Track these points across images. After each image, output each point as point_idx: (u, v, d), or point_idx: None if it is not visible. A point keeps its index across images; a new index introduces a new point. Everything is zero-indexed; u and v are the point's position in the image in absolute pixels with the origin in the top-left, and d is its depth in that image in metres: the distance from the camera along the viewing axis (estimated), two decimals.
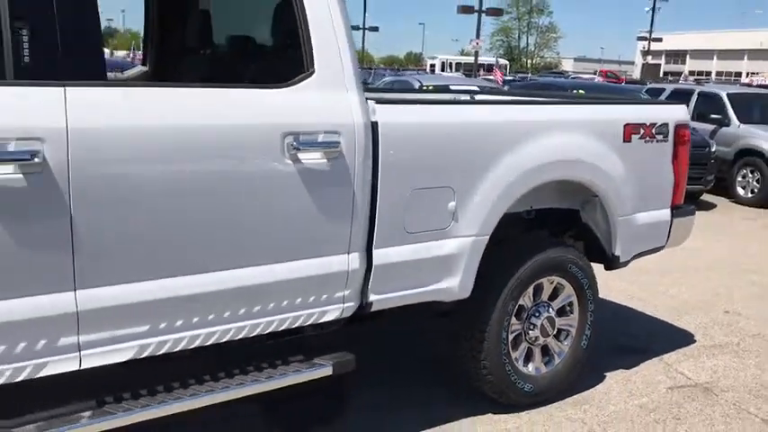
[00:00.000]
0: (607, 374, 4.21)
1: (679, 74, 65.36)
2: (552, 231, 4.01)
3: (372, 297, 3.01)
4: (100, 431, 2.38)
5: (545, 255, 3.63)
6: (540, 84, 16.83)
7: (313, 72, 2.76)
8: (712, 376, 4.32)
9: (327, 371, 2.93)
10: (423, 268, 3.14)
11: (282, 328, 2.82)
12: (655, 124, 3.98)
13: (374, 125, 2.86)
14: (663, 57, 74.57)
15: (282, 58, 2.86)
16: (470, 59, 45.21)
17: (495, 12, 44.34)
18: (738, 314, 5.54)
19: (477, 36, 33.94)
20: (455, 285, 3.24)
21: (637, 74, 63.34)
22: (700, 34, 75.21)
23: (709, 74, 68.60)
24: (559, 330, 3.81)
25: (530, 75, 49.59)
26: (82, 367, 2.38)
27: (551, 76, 43.58)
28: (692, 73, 68.20)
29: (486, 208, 3.25)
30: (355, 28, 48.85)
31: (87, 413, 2.44)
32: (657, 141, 4.01)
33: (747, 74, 64.07)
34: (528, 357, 3.73)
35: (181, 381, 2.69)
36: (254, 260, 2.66)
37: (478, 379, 3.57)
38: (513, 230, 3.64)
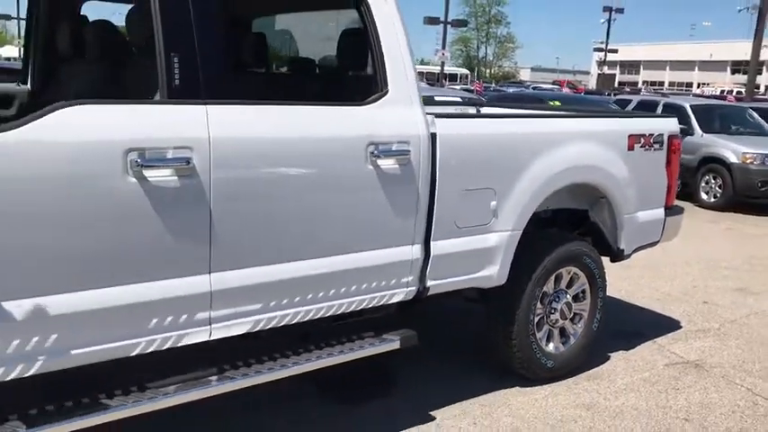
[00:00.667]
0: (610, 355, 4.78)
1: (634, 84, 67.26)
2: (562, 229, 4.56)
3: (429, 282, 3.53)
4: (221, 392, 2.86)
5: (565, 248, 4.19)
6: (518, 95, 17.53)
7: (387, 91, 3.28)
8: (700, 355, 4.92)
9: (396, 344, 3.44)
10: (469, 258, 3.67)
11: (360, 307, 3.32)
12: (652, 135, 4.58)
13: (433, 136, 3.39)
14: (618, 67, 76.58)
15: (362, 80, 3.36)
16: (432, 68, 45.91)
17: (460, 23, 45.26)
18: (716, 304, 6.19)
19: (444, 46, 34.73)
20: (495, 273, 3.78)
21: (593, 84, 64.99)
22: (653, 46, 77.47)
23: (662, 84, 70.68)
24: (574, 314, 4.37)
25: (493, 84, 50.57)
26: (211, 338, 2.85)
27: (513, 86, 44.60)
28: (645, 83, 70.19)
29: (520, 207, 3.80)
30: None
31: (171, 387, 2.86)
32: (654, 150, 4.61)
33: (699, 84, 66.28)
34: (549, 337, 4.27)
35: (269, 356, 3.16)
36: (340, 249, 3.16)
37: (509, 355, 4.11)
38: (533, 228, 4.18)
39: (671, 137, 4.72)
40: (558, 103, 11.86)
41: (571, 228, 4.64)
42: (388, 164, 3.21)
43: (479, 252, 3.70)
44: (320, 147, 3.02)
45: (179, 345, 2.77)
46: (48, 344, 2.44)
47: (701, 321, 5.70)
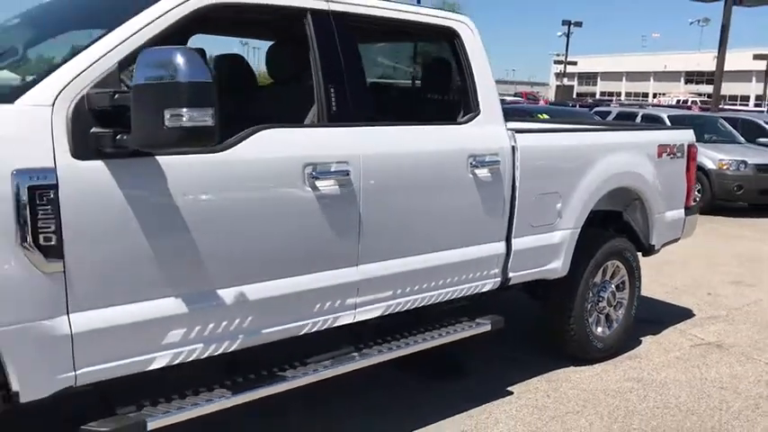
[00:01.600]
0: (642, 339, 5.42)
1: (592, 94, 68.99)
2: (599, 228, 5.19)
3: (510, 274, 4.13)
4: (362, 366, 3.41)
5: (610, 244, 4.83)
6: (509, 109, 18.17)
7: (479, 112, 3.88)
8: (718, 337, 5.61)
9: (488, 327, 4.04)
10: (540, 253, 4.28)
11: (461, 295, 3.90)
12: (675, 144, 5.26)
13: (514, 149, 4.00)
14: (576, 78, 78.51)
15: (460, 103, 3.96)
16: None
17: None
18: (719, 295, 6.90)
19: None
20: (559, 266, 4.40)
21: (551, 95, 66.53)
22: (609, 57, 79.63)
23: (618, 94, 72.65)
24: (617, 302, 5.00)
25: None
26: (354, 320, 3.40)
27: None
28: (602, 94, 72.05)
29: (579, 208, 4.43)
30: None
31: (327, 362, 3.41)
32: (677, 157, 5.29)
33: (654, 94, 68.33)
34: (597, 323, 4.90)
35: (383, 338, 3.71)
36: (449, 245, 3.74)
37: (567, 339, 4.72)
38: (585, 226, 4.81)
39: (689, 146, 5.41)
40: (546, 116, 12.56)
41: (607, 227, 5.28)
42: (483, 173, 3.80)
43: (548, 248, 4.31)
44: (435, 159, 3.61)
45: (333, 326, 3.32)
46: (245, 324, 2.96)
47: (710, 310, 6.39)
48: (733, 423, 4.05)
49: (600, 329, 4.91)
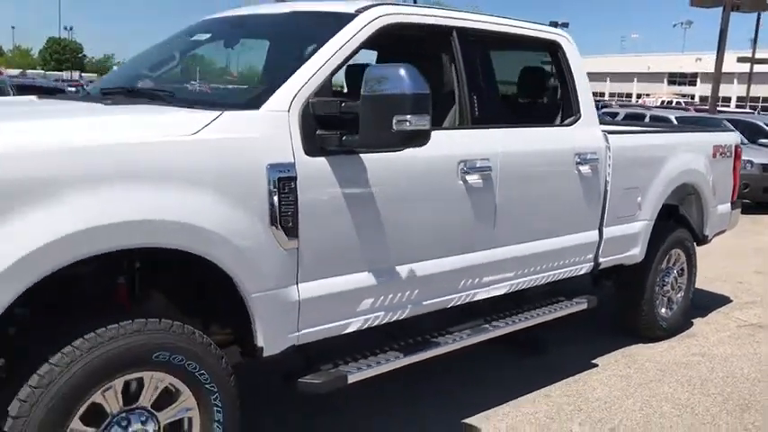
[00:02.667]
0: (693, 321, 6.01)
1: None
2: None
3: (601, 259, 4.69)
4: (492, 336, 3.94)
5: (675, 234, 5.41)
6: None
7: (581, 116, 4.43)
8: (759, 319, 6.21)
9: (584, 305, 4.59)
10: (623, 241, 4.84)
11: (563, 277, 4.44)
12: (726, 145, 5.85)
13: (607, 148, 4.55)
14: None
15: (564, 107, 4.49)
16: None
17: None
18: (749, 283, 7.52)
19: None
20: (638, 253, 4.97)
21: None
22: (594, 58, 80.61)
23: (603, 95, 73.64)
24: (678, 287, 5.59)
25: None
26: (488, 296, 3.93)
27: None
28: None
29: (654, 201, 5.00)
30: None
31: (467, 331, 3.95)
32: (726, 157, 5.88)
33: (638, 95, 69.44)
34: (661, 305, 5.47)
35: (500, 314, 4.25)
36: (557, 233, 4.28)
37: (637, 319, 5.29)
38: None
39: (735, 147, 6.00)
40: None
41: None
42: (585, 169, 4.35)
43: (629, 236, 4.88)
44: (551, 157, 4.16)
45: (472, 300, 3.85)
46: (413, 296, 3.49)
47: (745, 296, 7.00)
48: None
49: (664, 310, 5.48)
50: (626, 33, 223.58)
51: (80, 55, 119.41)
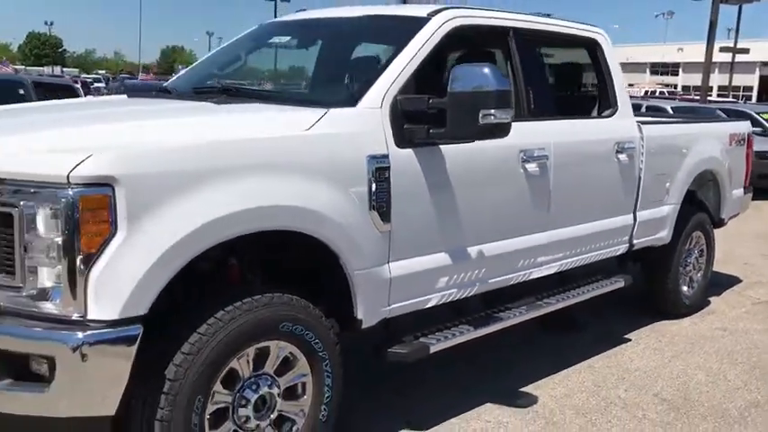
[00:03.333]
0: (710, 299, 6.40)
1: None
2: None
3: (635, 241, 5.05)
4: (544, 312, 4.28)
5: (697, 217, 5.79)
6: None
7: (618, 109, 4.79)
8: None
9: (621, 284, 4.95)
10: (654, 224, 5.20)
11: (601, 258, 4.80)
12: (740, 134, 6.23)
13: (641, 137, 4.91)
14: None
15: (603, 100, 4.84)
16: None
17: None
18: (754, 264, 7.94)
19: None
20: (666, 235, 5.34)
21: None
22: None
23: None
24: (699, 267, 5.97)
25: None
26: (541, 275, 4.27)
27: None
28: None
29: (680, 187, 5.37)
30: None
31: (524, 308, 4.29)
32: (740, 145, 6.27)
33: None
34: (684, 283, 5.85)
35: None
36: (598, 217, 4.63)
37: (664, 297, 5.66)
38: None
39: (748, 135, 6.39)
40: None
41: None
42: (623, 157, 4.71)
43: (659, 219, 5.24)
44: (594, 146, 4.51)
45: (528, 279, 4.19)
46: (480, 275, 3.83)
47: (754, 276, 7.41)
48: None
49: (686, 289, 5.86)
50: (608, 24, 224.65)
51: (60, 50, 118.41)
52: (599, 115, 4.77)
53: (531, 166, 3.97)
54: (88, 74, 65.94)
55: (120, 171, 2.44)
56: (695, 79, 61.30)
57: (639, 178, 4.93)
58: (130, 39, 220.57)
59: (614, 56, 4.85)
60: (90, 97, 4.40)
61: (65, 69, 75.45)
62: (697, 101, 22.93)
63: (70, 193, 2.38)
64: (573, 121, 4.43)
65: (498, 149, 3.76)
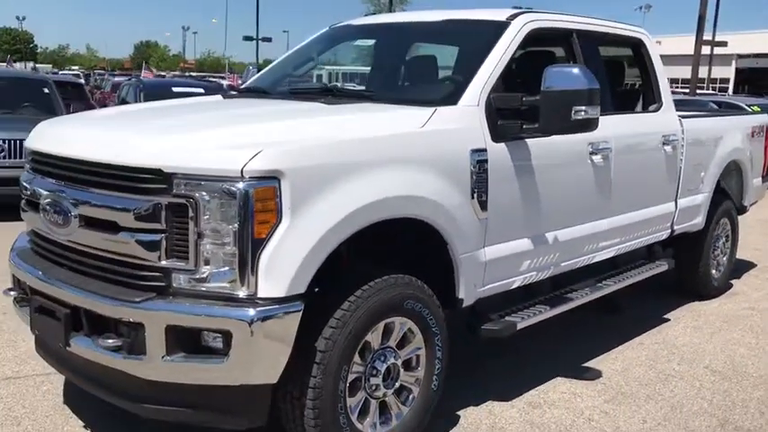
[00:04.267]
0: (731, 282, 6.80)
1: None
2: None
3: (675, 227, 5.43)
4: (602, 294, 4.63)
5: (725, 204, 6.19)
6: None
7: (662, 104, 5.15)
8: None
9: (665, 267, 5.33)
10: (691, 211, 5.58)
11: (648, 243, 5.17)
12: (758, 126, 6.64)
13: (682, 130, 5.28)
14: None
15: (648, 95, 5.21)
16: None
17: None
18: (765, 250, 8.37)
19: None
20: (700, 221, 5.73)
21: None
22: None
23: None
24: (726, 251, 6.37)
25: None
26: (595, 260, 4.61)
27: None
28: None
29: (712, 176, 5.76)
30: (248, 38, 50.40)
31: (587, 289, 4.64)
32: (759, 136, 6.68)
33: None
34: (713, 267, 6.25)
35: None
36: (649, 203, 5.00)
37: (696, 279, 6.05)
38: None
39: (766, 128, 6.80)
40: None
41: None
42: (668, 149, 5.08)
43: (694, 207, 5.63)
44: (646, 138, 4.88)
45: (591, 262, 4.55)
46: (555, 258, 4.17)
47: (765, 261, 7.85)
48: None
49: (714, 272, 6.26)
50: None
51: (31, 45, 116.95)
52: (646, 110, 5.13)
53: (597, 158, 4.32)
54: (61, 69, 65.38)
55: (285, 165, 2.74)
56: (674, 72, 62.02)
57: (680, 168, 5.30)
58: (103, 34, 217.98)
59: (658, 54, 5.21)
60: (186, 99, 4.62)
61: (37, 65, 74.58)
62: (684, 94, 23.47)
63: (244, 185, 2.68)
64: (628, 116, 4.80)
65: (571, 143, 4.09)
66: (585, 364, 4.62)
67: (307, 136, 2.97)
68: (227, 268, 2.75)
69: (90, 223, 2.98)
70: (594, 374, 4.45)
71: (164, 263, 2.81)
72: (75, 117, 4.13)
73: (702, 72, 49.62)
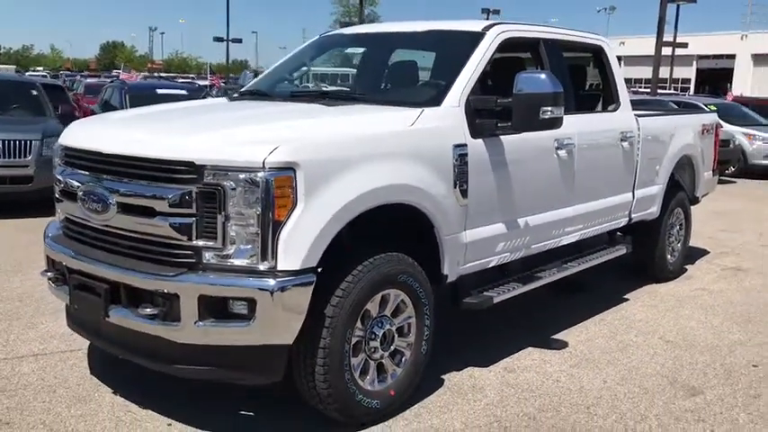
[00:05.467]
0: (686, 267, 7.44)
1: None
2: None
3: (633, 215, 6.03)
4: (565, 275, 5.21)
5: (678, 195, 6.81)
6: None
7: (619, 104, 5.74)
8: (736, 264, 7.69)
9: (623, 251, 5.92)
10: (647, 201, 6.19)
11: (609, 230, 5.76)
12: (709, 124, 7.29)
13: (638, 127, 5.87)
14: None
15: (607, 96, 5.79)
16: None
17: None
18: (718, 238, 9.05)
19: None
20: (656, 210, 6.34)
21: None
22: None
23: None
24: (680, 238, 7.00)
25: None
26: (561, 244, 5.18)
27: None
28: None
29: (666, 169, 6.37)
30: (219, 39, 50.59)
31: (555, 269, 5.21)
32: (709, 133, 7.32)
33: None
34: (668, 253, 6.87)
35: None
36: (605, 195, 5.57)
37: (653, 263, 6.66)
38: None
39: (716, 126, 7.45)
40: None
41: None
42: (625, 144, 5.67)
43: (650, 197, 6.23)
44: (606, 135, 5.45)
45: (558, 246, 5.11)
46: (525, 241, 4.72)
47: (718, 248, 8.51)
48: None
49: (670, 257, 6.88)
50: (546, 18, 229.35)
51: None
52: (605, 110, 5.71)
53: (562, 153, 4.88)
54: (26, 71, 64.76)
55: (300, 158, 3.24)
56: (637, 72, 63.55)
57: (637, 162, 5.89)
58: (67, 34, 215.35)
59: (615, 59, 5.80)
60: (198, 101, 5.16)
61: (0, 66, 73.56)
62: (646, 94, 24.36)
63: (265, 175, 3.17)
64: (589, 115, 5.37)
65: (539, 139, 4.64)
66: (554, 336, 5.17)
67: (316, 133, 3.47)
68: (250, 246, 3.24)
69: (127, 209, 3.44)
70: (562, 344, 5.01)
71: (195, 242, 3.29)
72: (105, 117, 4.59)
73: (665, 72, 50.95)
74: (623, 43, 68.49)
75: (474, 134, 4.15)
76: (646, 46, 59.64)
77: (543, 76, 4.06)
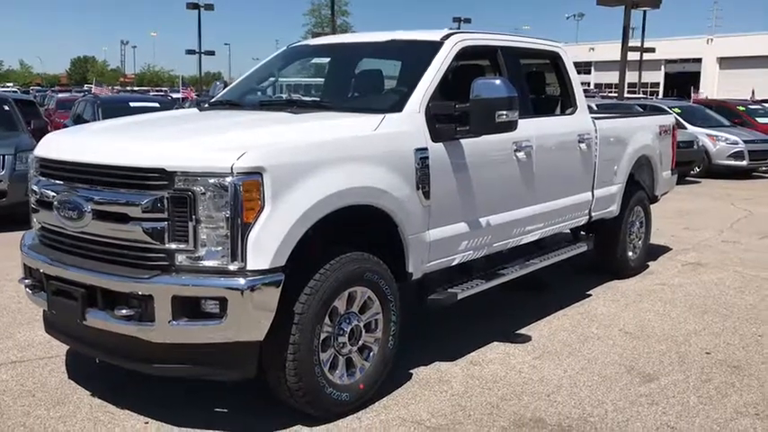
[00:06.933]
0: (648, 263, 7.70)
1: None
2: None
3: (593, 214, 6.27)
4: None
5: (638, 194, 7.07)
6: None
7: (577, 107, 5.99)
8: (696, 260, 7.97)
9: (584, 248, 6.16)
10: (606, 200, 6.43)
11: (570, 228, 6.00)
12: (666, 125, 7.57)
13: (596, 129, 6.13)
14: None
15: (565, 100, 6.03)
16: None
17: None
18: (679, 236, 9.34)
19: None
20: (615, 209, 6.59)
21: None
22: None
23: None
24: (640, 235, 7.27)
25: None
26: (528, 241, 5.41)
27: None
28: None
29: (624, 170, 6.63)
30: (191, 52, 50.64)
31: (517, 267, 5.43)
32: (667, 134, 7.61)
33: None
34: (629, 249, 7.12)
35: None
36: (565, 194, 5.81)
37: (614, 260, 6.90)
38: None
39: (673, 127, 7.75)
40: None
41: None
42: (583, 146, 5.91)
43: (609, 196, 6.48)
44: (563, 137, 5.69)
45: (519, 244, 5.33)
46: (488, 239, 4.93)
47: (679, 245, 8.80)
48: (742, 297, 6.36)
49: (631, 254, 7.14)
50: (518, 25, 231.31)
51: None
52: (563, 113, 5.96)
53: (521, 154, 5.10)
54: None
55: (267, 163, 3.42)
56: (606, 77, 64.47)
57: (595, 163, 6.14)
58: (36, 49, 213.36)
59: (572, 65, 6.05)
60: (170, 112, 5.38)
61: None
62: (614, 98, 24.84)
63: (234, 180, 3.34)
64: (547, 119, 5.61)
65: (498, 142, 4.85)
66: (518, 331, 5.38)
67: (282, 139, 3.65)
68: (220, 248, 3.40)
69: (102, 216, 3.60)
70: (525, 338, 5.22)
71: (167, 245, 3.45)
72: (79, 129, 4.74)
73: (634, 77, 51.77)
74: (593, 49, 69.63)
75: (435, 138, 4.35)
76: (615, 51, 60.66)
77: (498, 81, 4.28)
